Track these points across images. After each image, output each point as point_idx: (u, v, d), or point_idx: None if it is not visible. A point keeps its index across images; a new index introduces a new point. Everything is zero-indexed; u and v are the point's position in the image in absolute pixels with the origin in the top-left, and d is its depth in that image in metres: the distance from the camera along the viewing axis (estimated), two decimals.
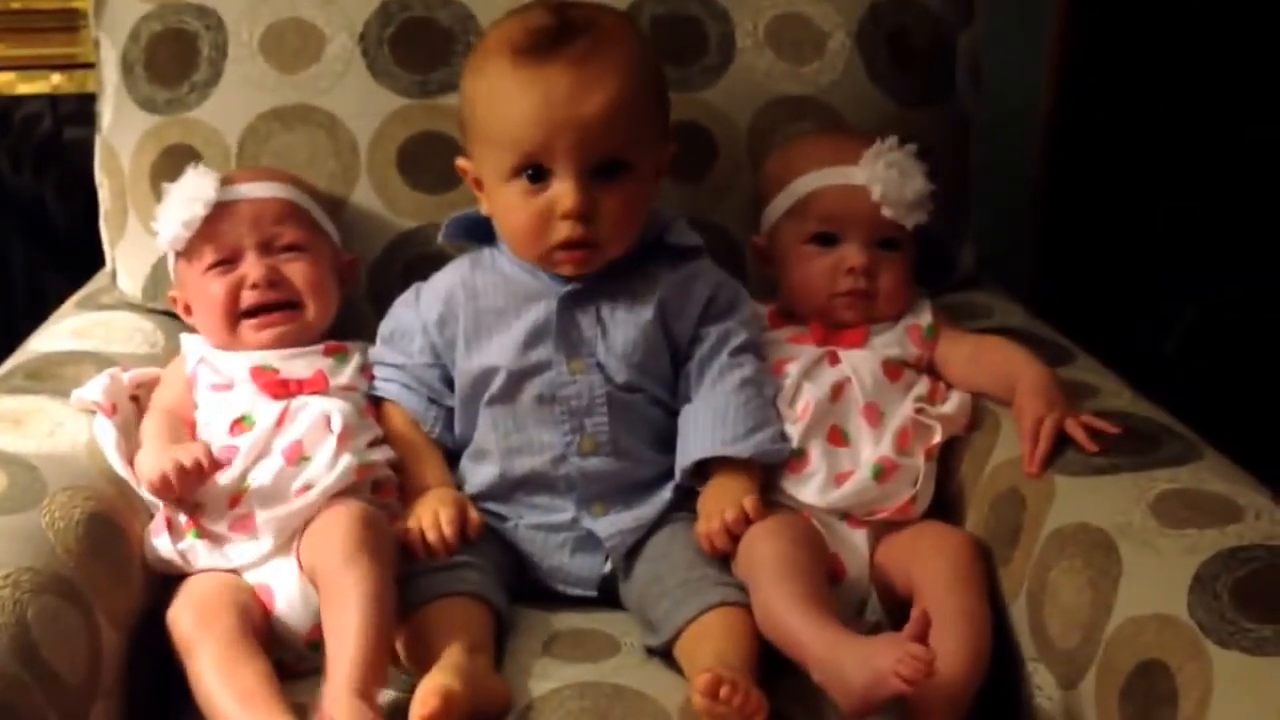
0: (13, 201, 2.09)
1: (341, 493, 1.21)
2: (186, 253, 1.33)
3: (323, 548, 1.15)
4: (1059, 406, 1.21)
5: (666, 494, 1.28)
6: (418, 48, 1.45)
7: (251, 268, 1.30)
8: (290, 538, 1.19)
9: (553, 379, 1.27)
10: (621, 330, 1.28)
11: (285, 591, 1.18)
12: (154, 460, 1.19)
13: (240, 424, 1.25)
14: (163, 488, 1.17)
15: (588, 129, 1.23)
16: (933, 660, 1.03)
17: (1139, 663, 1.01)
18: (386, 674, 1.10)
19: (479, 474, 1.31)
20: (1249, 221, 1.94)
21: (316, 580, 1.16)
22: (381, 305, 1.40)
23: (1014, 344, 1.32)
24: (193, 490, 1.18)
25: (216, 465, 1.19)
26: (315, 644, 1.17)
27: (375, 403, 1.33)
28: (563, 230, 1.25)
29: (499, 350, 1.29)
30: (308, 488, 1.20)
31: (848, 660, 1.06)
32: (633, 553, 1.27)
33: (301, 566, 1.18)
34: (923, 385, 1.31)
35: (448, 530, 1.21)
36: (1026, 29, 1.92)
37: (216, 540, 1.19)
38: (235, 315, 1.31)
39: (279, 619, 1.17)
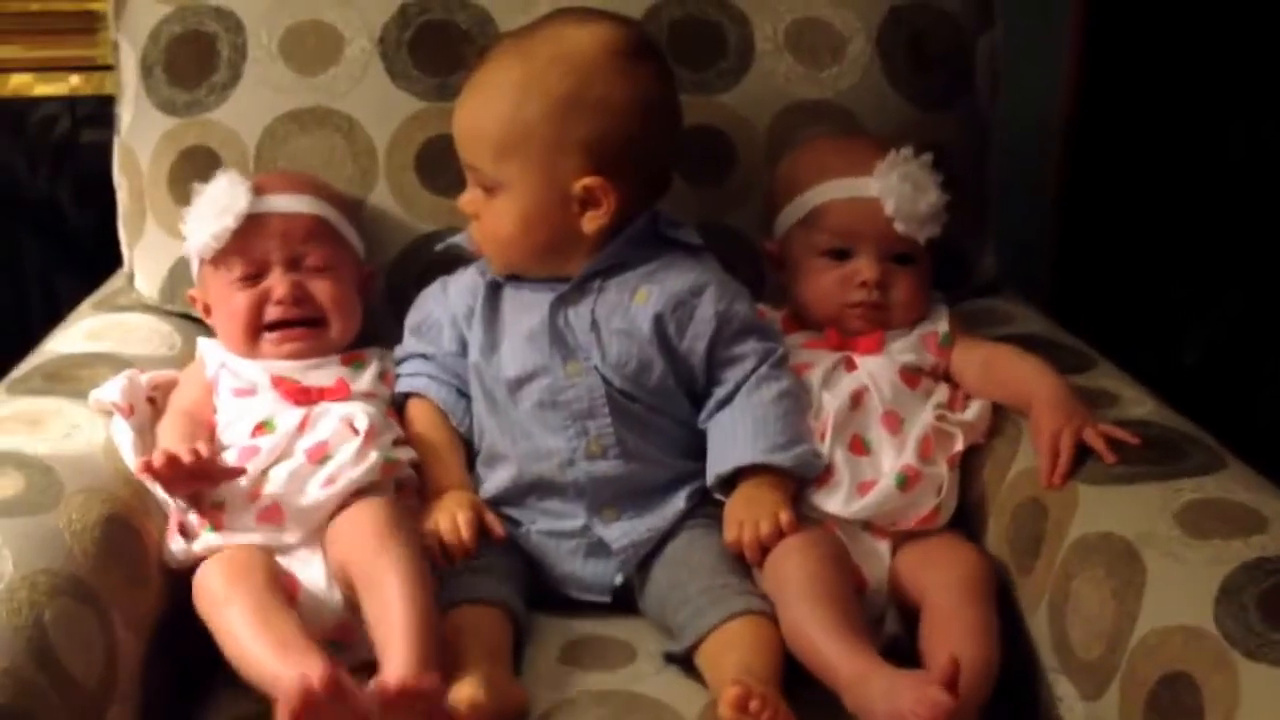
0: (28, 202, 2.09)
1: (366, 489, 1.21)
2: (213, 260, 1.33)
3: (351, 541, 1.15)
4: (1076, 417, 1.20)
5: (680, 502, 1.28)
6: (436, 51, 1.45)
7: (277, 283, 1.30)
8: (316, 530, 1.19)
9: (551, 384, 1.27)
10: (616, 341, 1.27)
11: (310, 582, 1.18)
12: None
13: (262, 428, 1.25)
14: (158, 471, 1.15)
15: (458, 137, 1.31)
16: (953, 708, 1.02)
17: (1164, 674, 1.00)
18: (439, 654, 1.09)
19: (492, 479, 1.30)
20: (1269, 230, 1.92)
21: (349, 575, 1.15)
22: (399, 307, 1.40)
23: (1026, 354, 1.30)
24: (191, 483, 1.17)
25: (226, 472, 1.18)
26: (336, 644, 1.17)
27: (398, 407, 1.33)
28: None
29: (500, 356, 1.29)
30: (332, 480, 1.20)
31: (874, 690, 1.06)
32: (650, 559, 1.26)
33: (327, 561, 1.18)
34: (942, 392, 1.31)
35: (465, 533, 1.21)
36: (1045, 38, 1.92)
37: (239, 532, 1.18)
38: (257, 328, 1.31)
39: (301, 611, 1.16)
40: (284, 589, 1.16)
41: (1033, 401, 1.24)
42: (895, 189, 1.30)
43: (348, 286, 1.34)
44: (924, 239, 1.32)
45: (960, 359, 1.32)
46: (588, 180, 1.25)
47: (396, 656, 1.07)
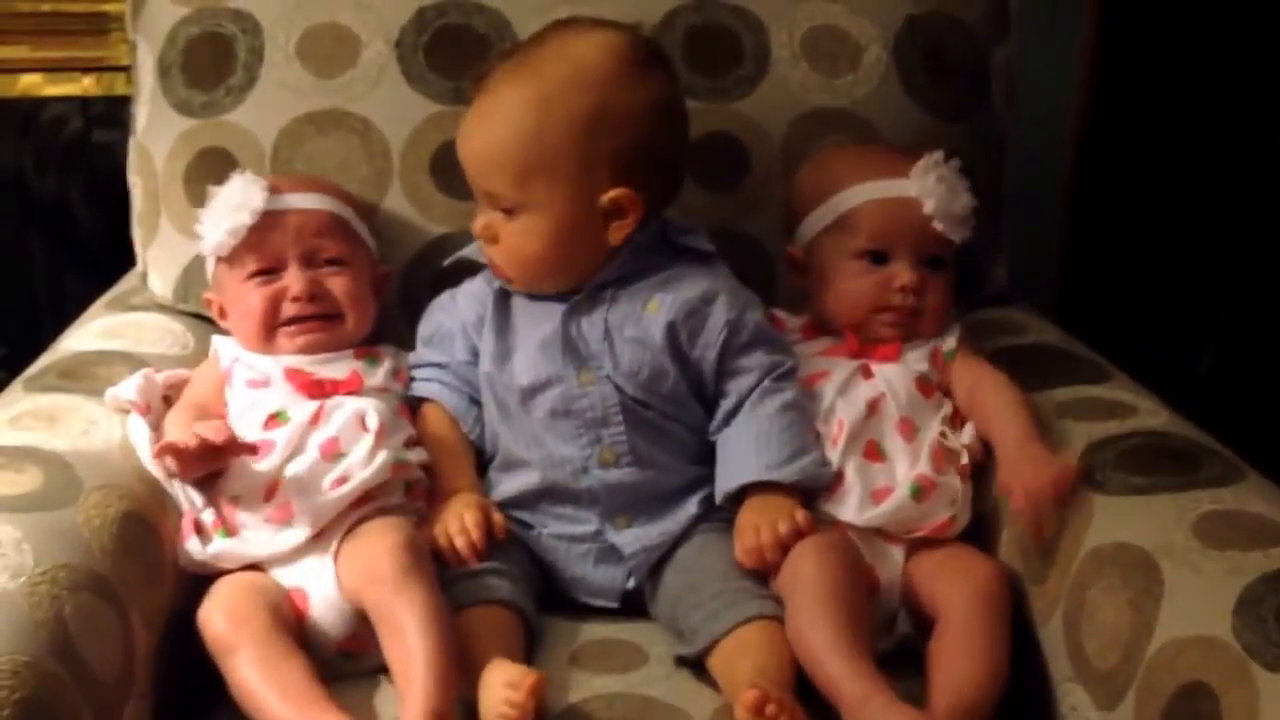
0: (37, 203, 2.09)
1: (376, 490, 1.21)
2: (229, 259, 1.33)
3: (367, 575, 1.15)
4: (1028, 474, 1.19)
5: (692, 507, 1.28)
6: (453, 54, 1.45)
7: (294, 280, 1.30)
8: (326, 531, 1.19)
9: (564, 392, 1.27)
10: (628, 349, 1.27)
11: (322, 595, 1.17)
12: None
13: (275, 420, 1.25)
14: (173, 454, 1.16)
15: (471, 165, 1.28)
16: None
17: (1182, 685, 1.00)
18: (457, 694, 1.10)
19: (504, 484, 1.30)
20: None
21: (365, 609, 1.15)
22: (412, 311, 1.40)
23: (1003, 391, 1.28)
24: (210, 463, 1.18)
25: (243, 448, 1.19)
26: (348, 653, 1.17)
27: (411, 406, 1.33)
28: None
29: (513, 365, 1.29)
30: (344, 480, 1.20)
31: (873, 716, 1.06)
32: (661, 563, 1.26)
33: (340, 581, 1.18)
34: (948, 407, 1.31)
35: (474, 534, 1.21)
36: (1057, 47, 1.92)
37: (250, 530, 1.19)
38: (274, 325, 1.31)
39: (313, 623, 1.17)
40: (290, 612, 1.16)
41: (996, 452, 1.25)
42: (934, 189, 1.30)
43: (363, 283, 1.34)
44: (959, 239, 1.32)
45: (955, 378, 1.32)
46: (615, 192, 1.25)
47: (416, 701, 1.07)
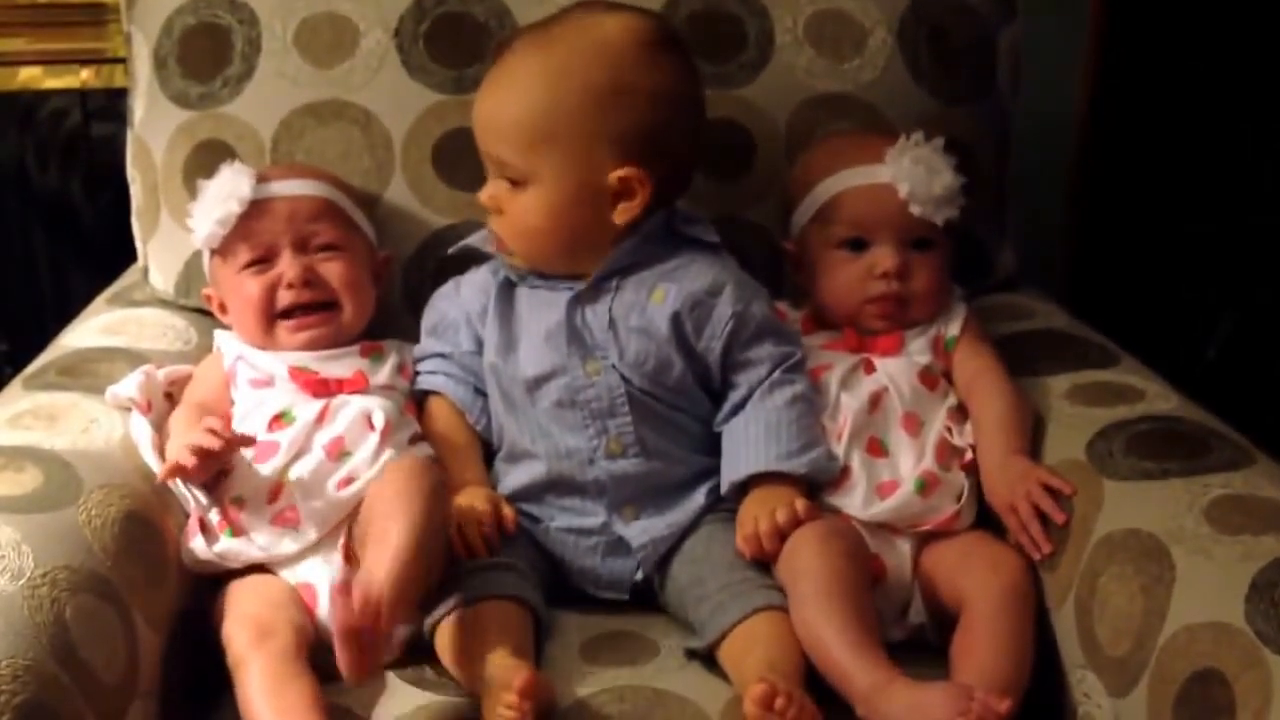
0: (39, 197, 2.09)
1: None
2: (221, 251, 1.32)
3: (376, 494, 1.15)
4: (1020, 484, 1.19)
5: (700, 498, 1.27)
6: (453, 43, 1.44)
7: (287, 267, 1.29)
8: (333, 532, 1.19)
9: (570, 383, 1.26)
10: (634, 339, 1.26)
11: (329, 590, 1.16)
12: (175, 450, 1.18)
13: (280, 420, 1.24)
14: (181, 474, 1.16)
15: (482, 129, 1.28)
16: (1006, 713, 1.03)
17: (1194, 671, 0.99)
18: (416, 602, 1.09)
19: (511, 476, 1.30)
20: None
21: (367, 529, 1.14)
22: (415, 303, 1.40)
23: (998, 393, 1.27)
24: (217, 464, 1.17)
25: (241, 439, 1.18)
26: None
27: (416, 402, 1.32)
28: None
29: (518, 356, 1.28)
30: (350, 481, 1.20)
31: (896, 705, 1.06)
32: (669, 556, 1.26)
33: (346, 557, 1.17)
34: (952, 398, 1.30)
35: (486, 528, 1.20)
36: (1062, 30, 1.90)
37: (256, 534, 1.18)
38: (271, 316, 1.30)
39: (322, 619, 1.16)
40: (309, 627, 1.15)
41: (980, 458, 1.24)
42: (908, 172, 1.29)
43: (359, 269, 1.33)
44: (941, 221, 1.30)
45: (956, 369, 1.31)
46: (623, 171, 1.24)
47: (379, 569, 1.05)
